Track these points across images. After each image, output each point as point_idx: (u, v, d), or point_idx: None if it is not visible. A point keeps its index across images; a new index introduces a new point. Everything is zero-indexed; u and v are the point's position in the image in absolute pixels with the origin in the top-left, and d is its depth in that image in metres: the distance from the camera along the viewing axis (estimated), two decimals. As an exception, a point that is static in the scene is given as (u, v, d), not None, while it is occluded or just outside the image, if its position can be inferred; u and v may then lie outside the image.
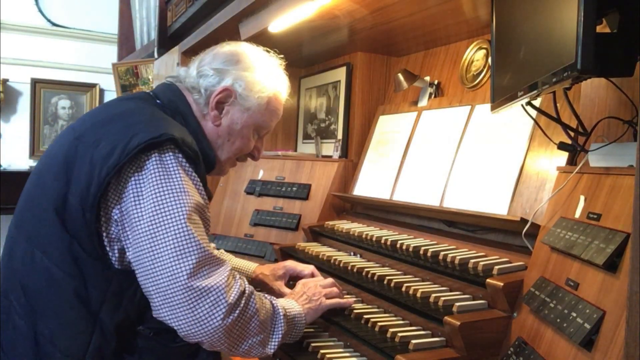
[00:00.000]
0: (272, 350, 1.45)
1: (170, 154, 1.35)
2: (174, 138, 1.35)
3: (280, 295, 1.81)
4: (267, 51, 1.72)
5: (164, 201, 1.30)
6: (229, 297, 1.31)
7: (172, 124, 1.45)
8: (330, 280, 1.77)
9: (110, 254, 1.36)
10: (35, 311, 1.36)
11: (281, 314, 1.48)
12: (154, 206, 1.29)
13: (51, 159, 1.43)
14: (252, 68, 1.61)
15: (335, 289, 1.73)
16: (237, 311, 1.32)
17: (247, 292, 1.38)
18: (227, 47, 1.65)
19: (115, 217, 1.34)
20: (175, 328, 1.31)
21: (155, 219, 1.29)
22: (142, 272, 1.31)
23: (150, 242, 1.28)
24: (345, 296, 1.90)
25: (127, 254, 1.34)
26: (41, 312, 1.36)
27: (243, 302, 1.34)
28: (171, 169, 1.34)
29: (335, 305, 1.70)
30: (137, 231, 1.30)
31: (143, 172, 1.32)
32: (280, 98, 1.69)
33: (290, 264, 1.96)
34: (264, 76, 1.63)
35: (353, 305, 1.77)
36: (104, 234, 1.35)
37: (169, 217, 1.29)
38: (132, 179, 1.32)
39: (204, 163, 1.52)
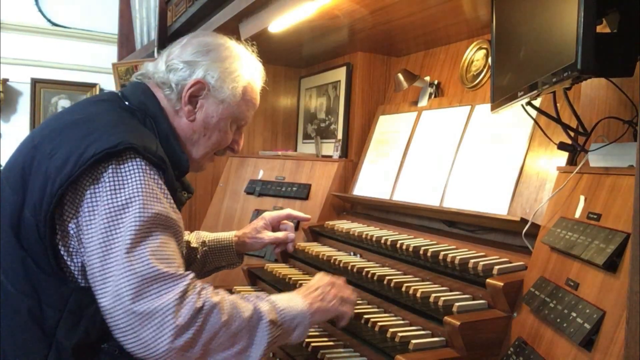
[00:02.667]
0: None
1: (131, 162, 1.27)
2: (134, 146, 1.27)
3: (265, 243, 1.92)
4: (238, 40, 1.64)
5: (116, 215, 1.22)
6: (178, 317, 1.20)
7: (137, 130, 1.37)
8: (345, 282, 1.62)
9: (72, 268, 1.28)
10: None
11: (265, 320, 1.33)
12: (106, 221, 1.22)
13: (10, 170, 1.37)
14: (224, 58, 1.54)
15: (354, 297, 1.59)
16: (192, 330, 1.21)
17: (206, 307, 1.24)
18: (196, 38, 1.57)
19: (72, 231, 1.26)
20: (128, 351, 1.23)
21: (107, 236, 1.21)
22: (95, 290, 1.23)
23: (100, 260, 1.21)
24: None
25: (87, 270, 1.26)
26: None
27: (200, 319, 1.22)
28: (128, 179, 1.25)
29: (347, 314, 1.54)
30: (90, 248, 1.22)
31: (98, 185, 1.25)
32: (256, 87, 1.62)
33: (267, 213, 1.99)
34: (237, 65, 1.55)
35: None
36: (62, 249, 1.27)
37: (119, 233, 1.21)
38: (88, 192, 1.25)
39: (176, 168, 1.46)
